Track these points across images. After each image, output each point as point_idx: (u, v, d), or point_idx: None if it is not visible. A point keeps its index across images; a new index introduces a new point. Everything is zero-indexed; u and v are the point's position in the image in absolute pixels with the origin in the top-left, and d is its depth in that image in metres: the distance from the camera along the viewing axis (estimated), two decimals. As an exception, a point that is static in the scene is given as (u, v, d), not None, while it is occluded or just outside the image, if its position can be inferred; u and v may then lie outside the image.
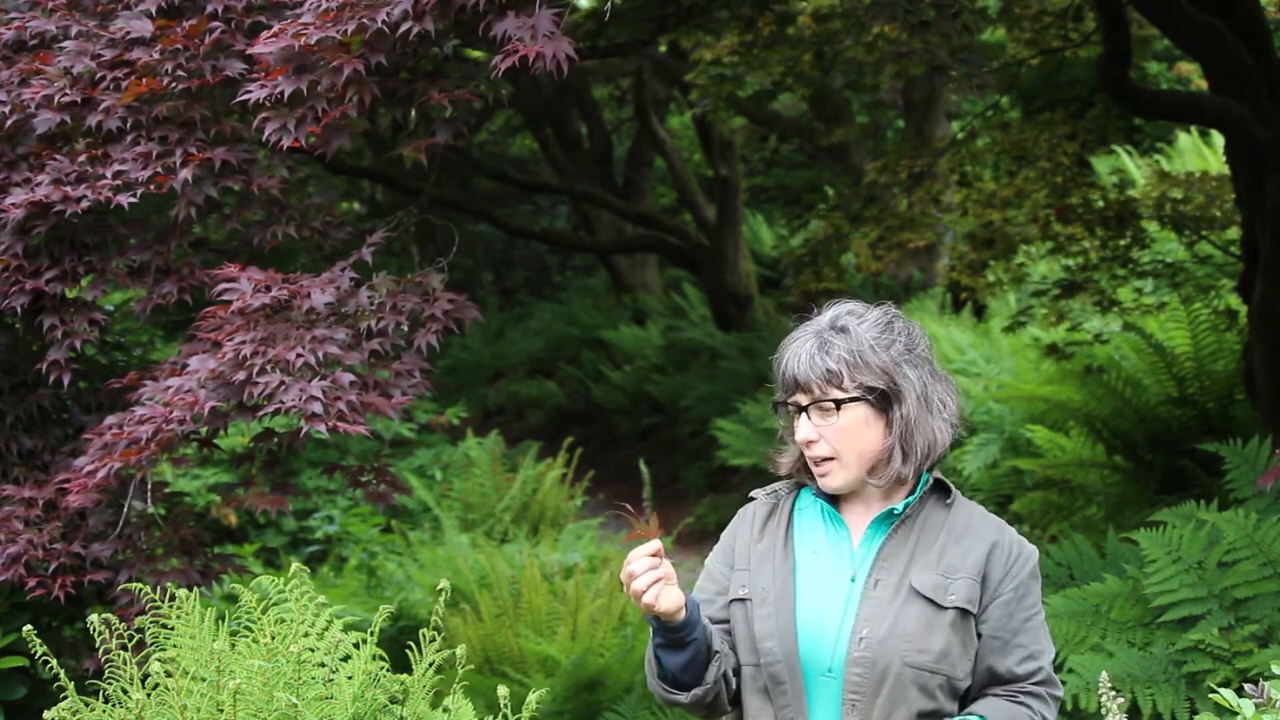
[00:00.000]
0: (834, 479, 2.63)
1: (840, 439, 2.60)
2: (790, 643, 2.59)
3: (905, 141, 10.59)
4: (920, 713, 2.53)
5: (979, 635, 2.58)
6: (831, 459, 2.62)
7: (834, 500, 2.70)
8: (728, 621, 2.69)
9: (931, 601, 2.55)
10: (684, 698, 2.60)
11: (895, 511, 2.64)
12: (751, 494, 2.80)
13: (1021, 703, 2.58)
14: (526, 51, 3.73)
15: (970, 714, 2.56)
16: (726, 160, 13.74)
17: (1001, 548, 2.61)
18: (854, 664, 2.55)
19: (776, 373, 2.67)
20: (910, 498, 2.65)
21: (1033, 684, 2.59)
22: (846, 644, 2.56)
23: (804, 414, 2.62)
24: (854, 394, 2.59)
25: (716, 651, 2.60)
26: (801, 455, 2.70)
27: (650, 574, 2.48)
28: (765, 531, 2.72)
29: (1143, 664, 4.60)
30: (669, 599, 2.50)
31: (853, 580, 2.62)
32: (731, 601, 2.69)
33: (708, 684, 2.58)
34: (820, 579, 2.64)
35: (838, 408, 2.59)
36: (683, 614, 2.53)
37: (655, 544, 2.51)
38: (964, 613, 2.56)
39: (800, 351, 2.62)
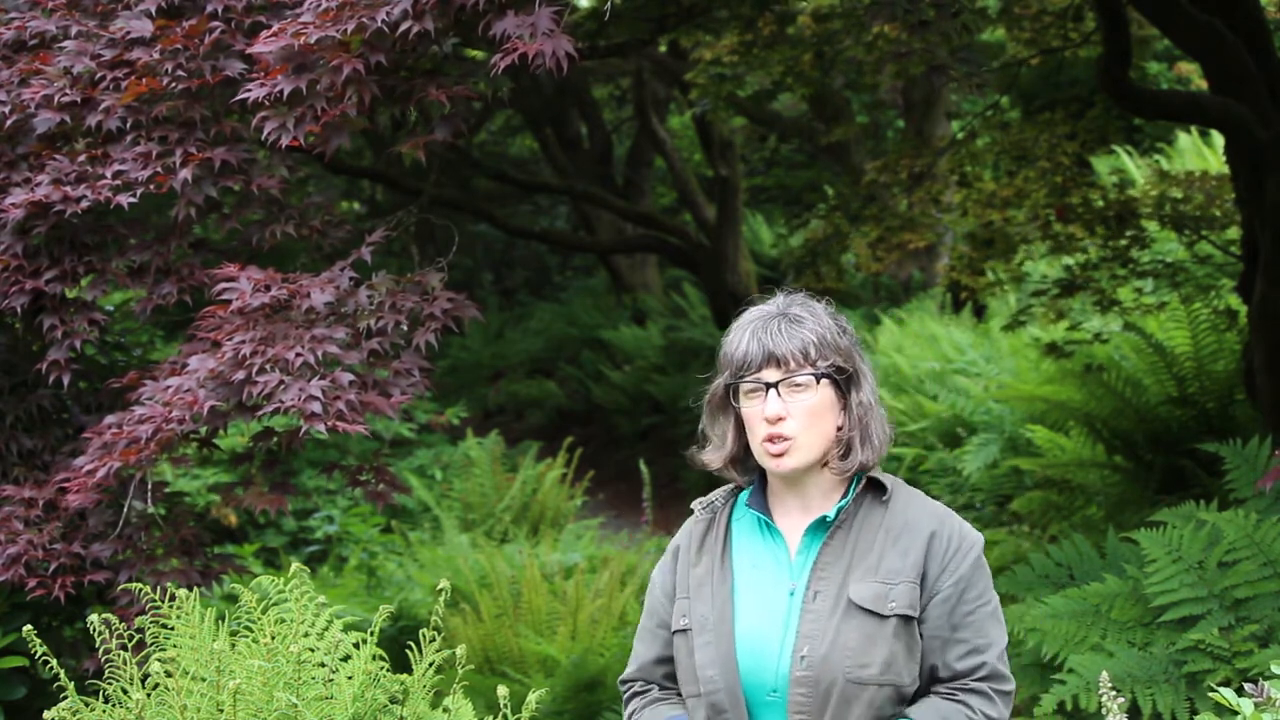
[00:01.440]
0: (792, 459, 2.56)
1: (807, 418, 2.55)
2: (731, 669, 2.54)
3: (905, 141, 10.59)
4: None
5: (922, 636, 2.53)
6: (793, 439, 2.55)
7: (768, 509, 2.64)
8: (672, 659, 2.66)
9: (872, 613, 2.50)
10: None
11: (828, 519, 2.58)
12: (692, 505, 2.73)
13: (960, 701, 2.51)
14: (526, 49, 3.73)
15: (901, 717, 2.50)
16: (726, 160, 13.74)
17: (940, 540, 2.55)
18: (797, 683, 2.49)
19: (731, 352, 2.60)
20: (843, 502, 2.59)
21: (975, 680, 2.52)
22: (789, 663, 2.51)
23: (771, 391, 2.56)
24: (825, 371, 2.57)
25: None
26: (738, 448, 2.65)
27: None
28: (703, 550, 2.66)
29: (1143, 664, 4.59)
30: None
31: (791, 594, 2.56)
32: (674, 633, 2.64)
33: None
34: (759, 595, 2.58)
35: (817, 381, 2.55)
36: None
37: None
38: (906, 619, 2.50)
39: (769, 327, 2.58)
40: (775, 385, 2.56)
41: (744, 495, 2.70)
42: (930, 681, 2.54)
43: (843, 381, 2.59)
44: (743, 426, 2.63)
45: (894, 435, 2.67)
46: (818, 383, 2.56)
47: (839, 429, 2.59)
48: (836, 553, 2.56)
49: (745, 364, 2.58)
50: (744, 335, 2.60)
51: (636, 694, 2.73)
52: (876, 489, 2.62)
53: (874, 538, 2.56)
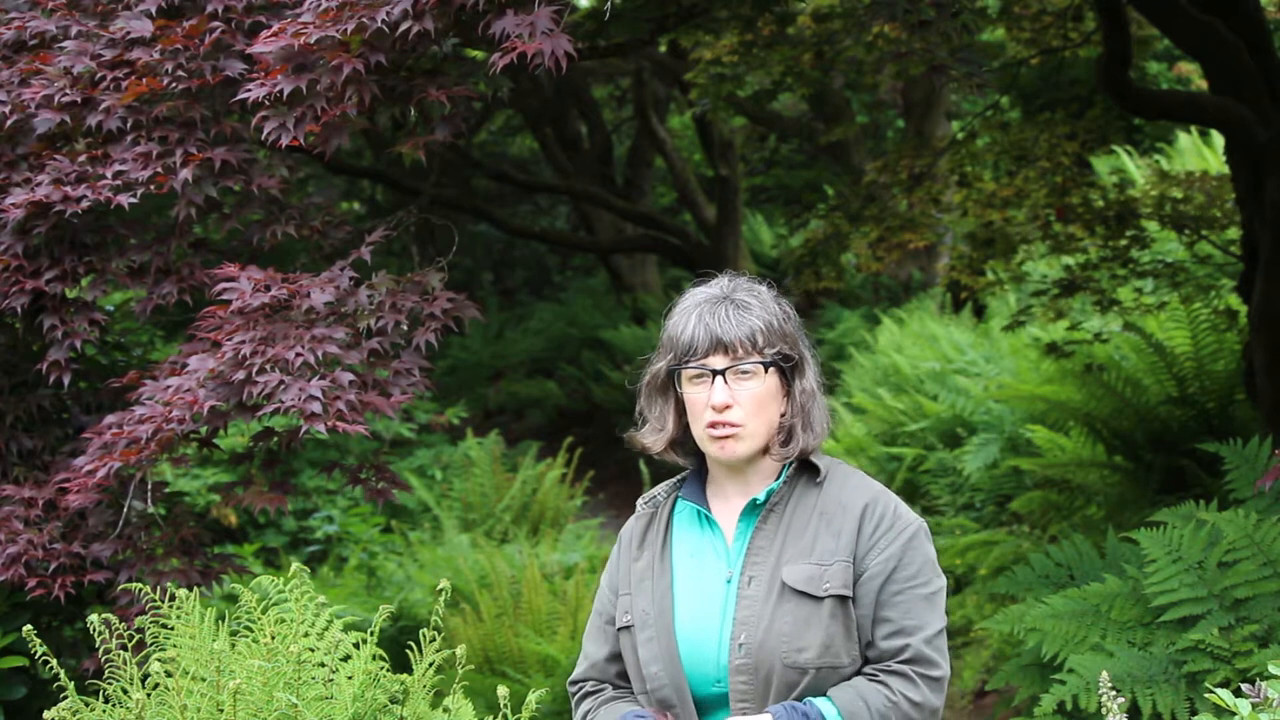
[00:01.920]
0: (736, 446, 2.53)
1: (753, 405, 2.52)
2: (675, 664, 2.52)
3: (905, 141, 10.59)
4: None
5: (856, 616, 2.49)
6: (739, 426, 2.52)
7: (705, 499, 2.62)
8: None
9: (806, 595, 2.47)
10: None
11: (758, 501, 2.56)
12: (638, 501, 2.72)
13: (880, 682, 2.47)
14: (525, 48, 3.73)
15: (813, 699, 2.46)
16: (726, 160, 13.75)
17: (870, 518, 2.52)
18: (736, 671, 2.48)
19: (676, 335, 2.56)
20: (773, 485, 2.57)
21: (899, 661, 2.48)
22: (728, 651, 2.49)
23: (718, 378, 2.52)
24: (772, 359, 2.54)
25: None
26: (678, 431, 2.61)
27: None
28: (644, 545, 2.64)
29: (1143, 664, 4.59)
30: None
31: (729, 581, 2.54)
32: (618, 630, 2.62)
33: None
34: (698, 585, 2.57)
35: (765, 370, 2.53)
36: None
37: None
38: (841, 599, 2.47)
39: (717, 312, 2.54)
40: (722, 373, 2.52)
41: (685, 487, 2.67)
42: (863, 663, 2.51)
43: (788, 369, 2.57)
44: (684, 409, 2.60)
45: (832, 424, 2.65)
46: (765, 371, 2.54)
47: (782, 415, 2.57)
48: (769, 536, 2.54)
49: (690, 349, 2.54)
50: (689, 319, 2.56)
51: (589, 694, 2.69)
52: (811, 471, 2.59)
53: (807, 519, 2.54)
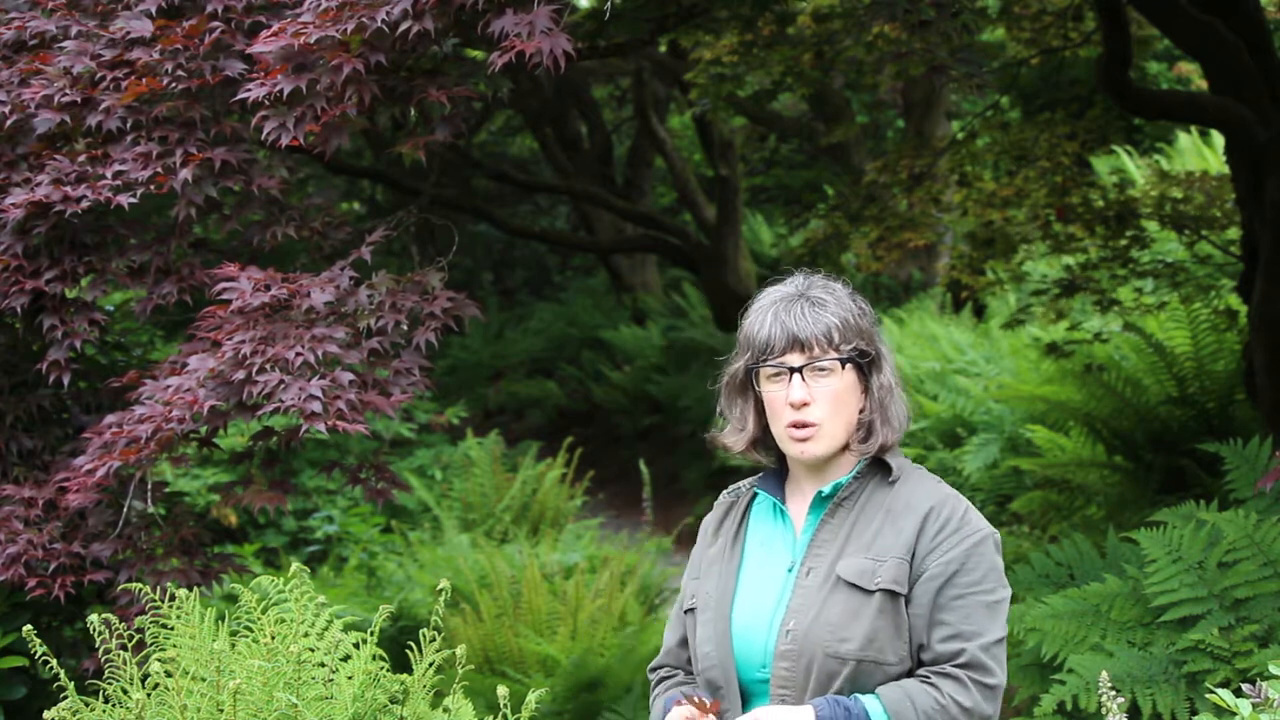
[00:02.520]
0: (817, 445, 2.55)
1: (832, 403, 2.54)
2: (725, 647, 2.55)
3: (905, 141, 10.59)
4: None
5: (909, 615, 2.48)
6: (818, 424, 2.54)
7: (782, 491, 2.64)
8: None
9: (857, 588, 2.47)
10: None
11: (824, 494, 2.57)
12: (723, 492, 2.75)
13: (932, 684, 2.45)
14: (524, 47, 3.73)
15: (859, 695, 2.45)
16: (726, 160, 13.74)
17: (934, 520, 2.50)
18: (780, 657, 2.49)
19: (753, 334, 2.57)
20: (842, 479, 2.58)
21: (954, 665, 2.45)
22: (776, 637, 2.51)
23: (795, 376, 2.54)
24: (849, 355, 2.55)
25: None
26: (758, 430, 2.63)
27: None
28: (719, 533, 2.68)
29: (1143, 664, 4.59)
30: None
31: (789, 570, 2.56)
32: (685, 612, 2.66)
33: None
34: (761, 573, 2.59)
35: (841, 366, 2.54)
36: None
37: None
38: (892, 594, 2.47)
39: (793, 310, 2.55)
40: (799, 370, 2.54)
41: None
42: (915, 665, 2.50)
43: (865, 364, 2.58)
44: (763, 409, 2.62)
45: (911, 414, 2.67)
46: (842, 367, 2.55)
47: (860, 412, 2.58)
48: (834, 530, 2.55)
49: (768, 347, 2.56)
50: (766, 317, 2.57)
51: (661, 680, 2.74)
52: (884, 470, 2.60)
53: (874, 517, 2.55)
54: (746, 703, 2.55)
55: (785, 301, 2.58)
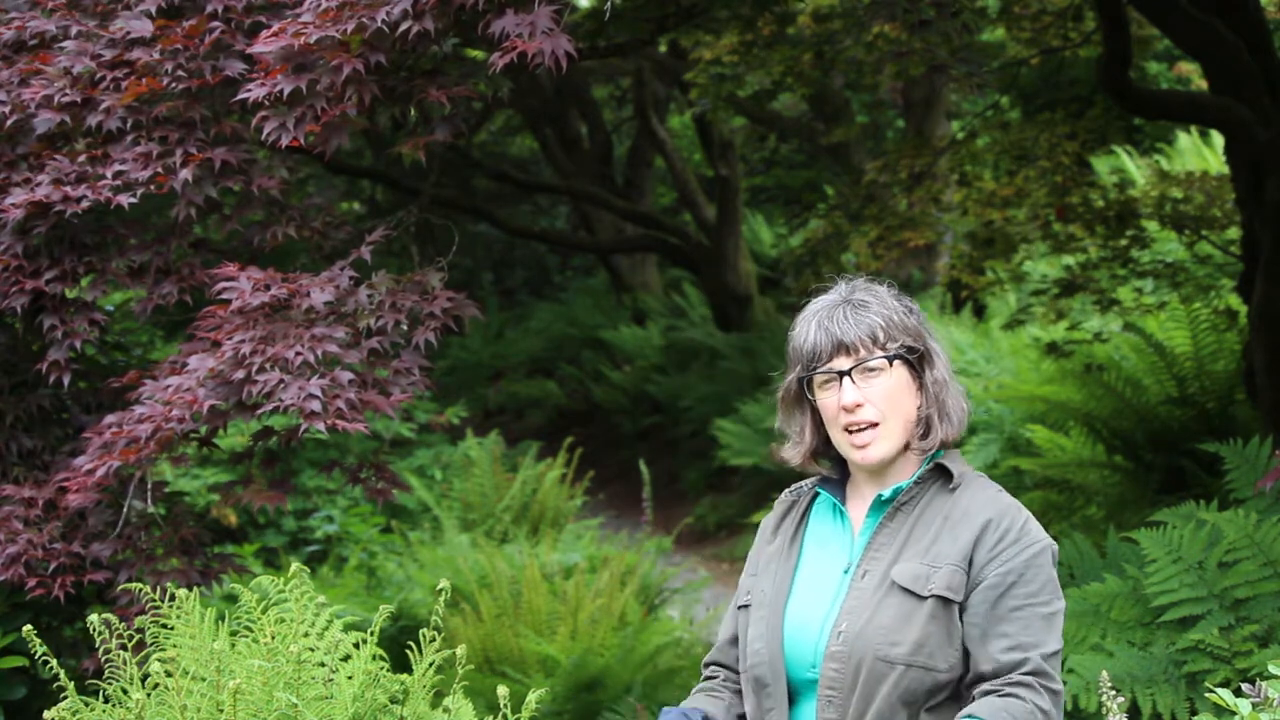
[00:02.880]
0: (877, 448, 2.57)
1: (885, 402, 2.55)
2: (776, 644, 2.56)
3: (905, 141, 10.59)
4: (896, 706, 2.46)
5: (963, 623, 2.48)
6: (875, 425, 2.56)
7: (843, 492, 2.65)
8: None
9: (910, 592, 2.48)
10: None
11: (884, 498, 2.58)
12: (785, 491, 2.76)
13: (1010, 694, 2.44)
14: (525, 48, 3.73)
15: (967, 716, 2.44)
16: (726, 160, 13.74)
17: (993, 530, 2.50)
18: (830, 658, 2.50)
19: (800, 345, 2.60)
20: (903, 483, 2.59)
21: (1021, 673, 2.45)
22: (827, 638, 2.52)
23: (845, 379, 2.56)
24: (897, 352, 2.56)
25: None
26: (818, 441, 2.65)
27: None
28: (779, 531, 2.70)
29: (1143, 664, 4.59)
30: None
31: (845, 572, 2.57)
32: (739, 608, 2.68)
33: None
34: (817, 573, 2.61)
35: (890, 364, 2.55)
36: None
37: None
38: (945, 601, 2.47)
39: (835, 316, 2.58)
40: (848, 373, 2.56)
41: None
42: (974, 679, 2.49)
43: (915, 361, 2.59)
44: (820, 419, 2.64)
45: (970, 409, 2.67)
46: (890, 365, 2.56)
47: (917, 409, 2.59)
48: (892, 534, 2.56)
49: (815, 355, 2.58)
50: (810, 327, 2.60)
51: (706, 678, 2.77)
52: (945, 476, 2.60)
53: (933, 523, 2.55)
54: (793, 702, 2.56)
55: (828, 309, 2.61)
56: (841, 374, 2.56)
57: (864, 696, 2.47)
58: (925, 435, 2.59)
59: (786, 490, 2.76)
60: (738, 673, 2.69)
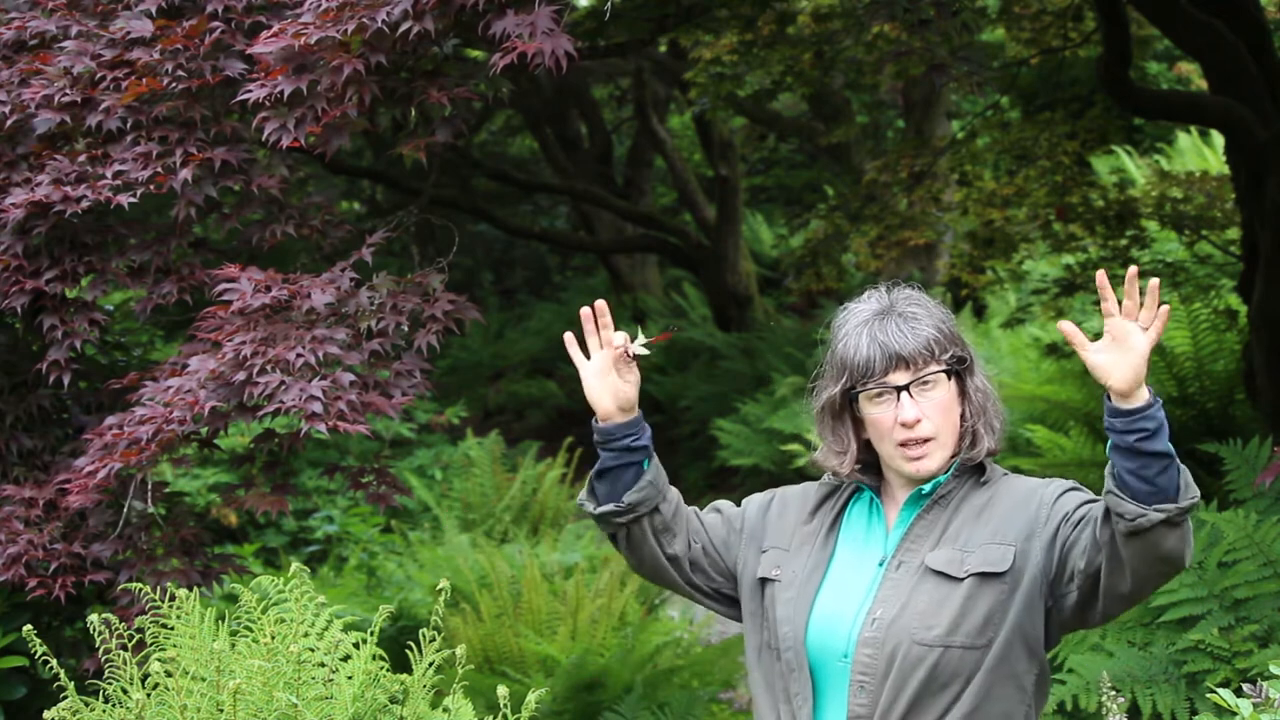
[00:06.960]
0: (931, 461, 2.54)
1: (940, 415, 2.52)
2: (800, 629, 2.54)
3: (905, 141, 10.60)
4: (930, 690, 2.45)
5: (1062, 554, 2.44)
6: (931, 439, 2.53)
7: (879, 490, 2.63)
8: (706, 539, 2.73)
9: (946, 576, 2.47)
10: (589, 507, 2.67)
11: (923, 492, 2.57)
12: (825, 475, 2.71)
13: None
14: (525, 48, 3.73)
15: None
16: (726, 160, 13.74)
17: (1035, 496, 2.52)
18: (864, 644, 2.48)
19: (849, 356, 2.54)
20: (941, 477, 2.56)
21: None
22: (860, 626, 2.51)
23: (903, 394, 2.51)
24: (949, 365, 2.54)
25: (650, 482, 2.65)
26: (862, 451, 2.61)
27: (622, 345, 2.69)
28: (818, 513, 2.66)
29: (1143, 664, 4.60)
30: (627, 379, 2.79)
31: (880, 564, 2.56)
32: (761, 579, 2.64)
33: (622, 504, 2.63)
34: (851, 564, 2.59)
35: (947, 378, 2.53)
36: (628, 416, 2.78)
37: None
38: (985, 576, 2.46)
39: (887, 327, 2.53)
40: (906, 388, 2.52)
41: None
42: (1104, 518, 2.40)
43: (961, 371, 2.57)
44: (862, 429, 2.60)
45: (1006, 415, 2.66)
46: (948, 379, 2.54)
47: (963, 418, 2.57)
48: (929, 526, 2.55)
49: (868, 369, 2.53)
50: (861, 339, 2.54)
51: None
52: (978, 471, 2.60)
53: (968, 514, 2.54)
54: (821, 691, 2.53)
55: (877, 319, 2.55)
56: (899, 389, 2.52)
57: (897, 683, 2.46)
58: (973, 445, 2.57)
59: (828, 474, 2.69)
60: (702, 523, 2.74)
